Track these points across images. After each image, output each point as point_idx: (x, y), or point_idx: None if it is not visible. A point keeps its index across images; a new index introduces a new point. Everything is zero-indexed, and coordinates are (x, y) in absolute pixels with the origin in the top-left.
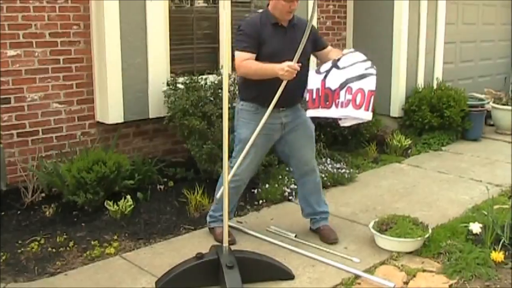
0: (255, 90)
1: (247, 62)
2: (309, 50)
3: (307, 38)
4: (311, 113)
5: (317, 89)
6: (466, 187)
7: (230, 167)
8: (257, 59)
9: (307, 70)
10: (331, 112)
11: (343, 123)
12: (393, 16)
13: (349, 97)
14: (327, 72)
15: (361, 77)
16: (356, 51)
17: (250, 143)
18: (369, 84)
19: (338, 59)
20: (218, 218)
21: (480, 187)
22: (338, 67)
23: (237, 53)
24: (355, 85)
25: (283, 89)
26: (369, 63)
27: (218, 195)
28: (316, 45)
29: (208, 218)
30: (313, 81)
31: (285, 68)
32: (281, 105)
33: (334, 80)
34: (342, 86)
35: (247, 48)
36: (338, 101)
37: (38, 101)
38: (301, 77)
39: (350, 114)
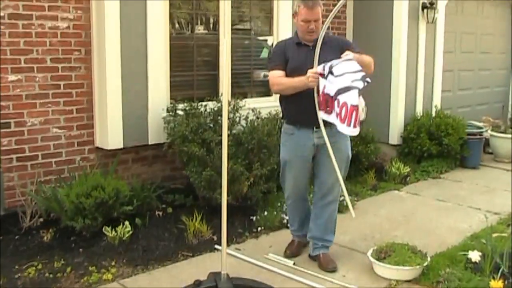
0: (286, 110)
1: (279, 78)
2: None
3: (318, 52)
4: (320, 115)
5: (323, 92)
6: (465, 215)
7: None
8: None
9: None
10: (331, 118)
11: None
12: (392, 44)
13: (337, 110)
14: (326, 77)
15: (346, 89)
16: (352, 60)
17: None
18: (352, 98)
19: (333, 65)
20: (291, 231)
21: (479, 215)
22: (333, 74)
23: (269, 72)
24: (341, 98)
25: (313, 109)
26: (358, 75)
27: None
28: None
29: None
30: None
31: (308, 75)
32: (314, 125)
33: (331, 88)
34: (335, 96)
35: (277, 66)
36: (334, 110)
37: (38, 126)
38: None
39: (338, 128)
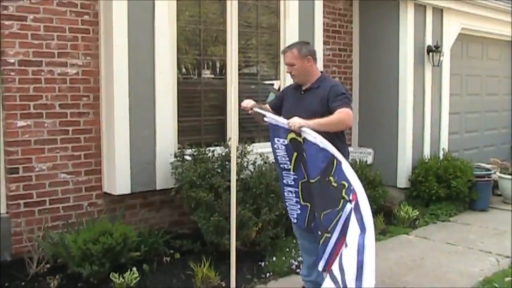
0: None
1: None
2: (317, 108)
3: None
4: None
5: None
6: (476, 259)
7: None
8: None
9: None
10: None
11: None
12: (398, 87)
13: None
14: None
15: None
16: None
17: None
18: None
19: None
20: (301, 276)
21: (490, 259)
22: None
23: None
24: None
25: None
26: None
27: None
28: (327, 106)
29: None
30: None
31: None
32: None
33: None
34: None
35: (269, 103)
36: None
37: (46, 171)
38: None
39: None
